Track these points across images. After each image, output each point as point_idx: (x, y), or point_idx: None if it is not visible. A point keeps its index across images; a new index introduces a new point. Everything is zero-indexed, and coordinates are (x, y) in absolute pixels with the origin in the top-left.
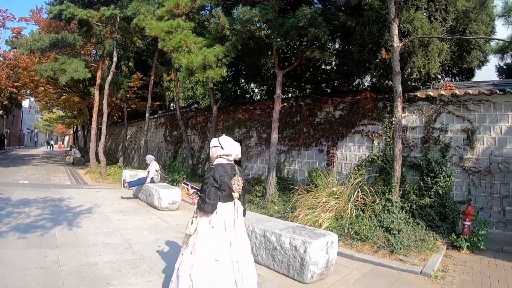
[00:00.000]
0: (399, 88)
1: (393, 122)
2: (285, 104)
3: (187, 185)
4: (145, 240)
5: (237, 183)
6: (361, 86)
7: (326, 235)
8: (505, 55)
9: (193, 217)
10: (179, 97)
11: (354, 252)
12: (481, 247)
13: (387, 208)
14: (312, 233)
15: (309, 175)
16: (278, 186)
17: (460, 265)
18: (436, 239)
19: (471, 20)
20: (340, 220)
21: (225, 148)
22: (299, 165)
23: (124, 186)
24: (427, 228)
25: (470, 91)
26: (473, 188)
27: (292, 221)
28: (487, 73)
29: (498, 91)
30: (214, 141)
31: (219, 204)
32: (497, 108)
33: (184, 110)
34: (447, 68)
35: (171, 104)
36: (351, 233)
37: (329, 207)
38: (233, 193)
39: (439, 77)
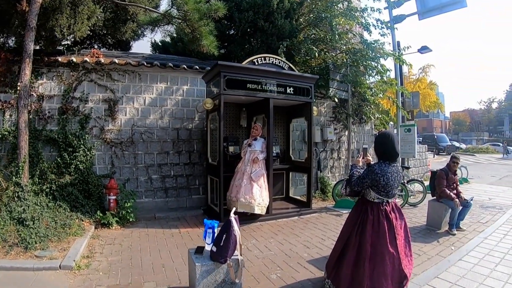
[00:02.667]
0: (30, 46)
1: (19, 88)
2: None
3: None
4: None
5: None
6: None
7: None
8: (156, 28)
9: None
10: None
11: None
12: (131, 219)
13: (17, 195)
14: None
15: None
16: None
17: (109, 245)
18: (82, 220)
19: None
20: None
21: None
22: None
23: None
24: (72, 209)
25: (116, 61)
26: (116, 160)
27: None
28: (147, 48)
29: (145, 63)
30: None
31: None
32: (142, 79)
33: None
34: (102, 37)
35: None
36: None
37: None
38: None
39: (96, 46)
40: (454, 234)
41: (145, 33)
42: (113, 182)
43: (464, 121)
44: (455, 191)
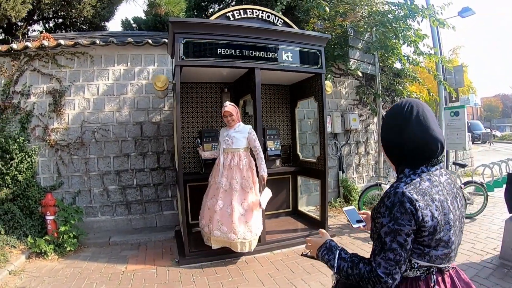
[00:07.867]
0: None
1: None
2: None
3: None
4: None
5: None
6: None
7: None
8: None
9: None
10: None
11: None
12: (68, 248)
13: None
14: None
15: None
16: None
17: None
18: (15, 247)
19: None
20: None
21: None
22: None
23: None
24: (9, 231)
25: (63, 42)
26: (63, 167)
27: None
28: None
29: (98, 42)
30: None
31: None
32: (95, 62)
33: None
34: (74, 23)
35: None
36: None
37: None
38: None
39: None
40: None
41: (115, 10)
42: (49, 197)
43: (496, 107)
44: None
